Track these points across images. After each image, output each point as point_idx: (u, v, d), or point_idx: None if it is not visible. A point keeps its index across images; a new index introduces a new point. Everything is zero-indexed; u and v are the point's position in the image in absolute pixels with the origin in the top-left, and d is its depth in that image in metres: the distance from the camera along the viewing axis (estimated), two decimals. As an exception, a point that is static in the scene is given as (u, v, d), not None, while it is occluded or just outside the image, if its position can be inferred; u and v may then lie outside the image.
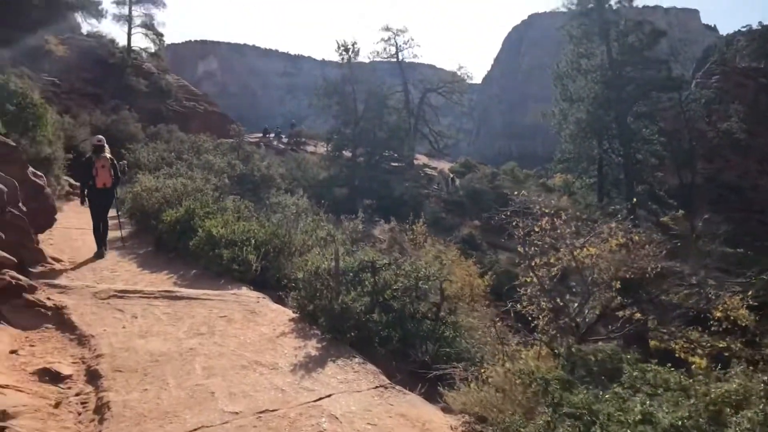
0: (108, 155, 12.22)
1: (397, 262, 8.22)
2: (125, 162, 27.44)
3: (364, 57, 43.15)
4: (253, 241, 10.54)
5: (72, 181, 23.71)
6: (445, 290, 7.48)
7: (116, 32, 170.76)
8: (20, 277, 8.33)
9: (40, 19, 48.69)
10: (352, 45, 38.79)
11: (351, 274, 7.98)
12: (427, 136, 54.20)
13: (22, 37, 45.55)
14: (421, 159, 55.84)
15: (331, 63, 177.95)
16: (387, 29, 50.94)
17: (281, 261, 10.44)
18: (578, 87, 42.50)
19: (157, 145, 26.50)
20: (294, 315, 8.02)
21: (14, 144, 9.63)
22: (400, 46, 51.41)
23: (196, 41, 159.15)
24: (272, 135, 57.08)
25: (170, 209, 13.00)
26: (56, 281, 9.49)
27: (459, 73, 54.04)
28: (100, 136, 12.83)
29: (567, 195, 53.72)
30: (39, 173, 10.36)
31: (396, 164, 41.86)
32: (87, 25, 57.34)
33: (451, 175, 51.48)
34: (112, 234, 14.55)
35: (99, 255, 12.05)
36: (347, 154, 40.28)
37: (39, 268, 10.06)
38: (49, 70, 47.13)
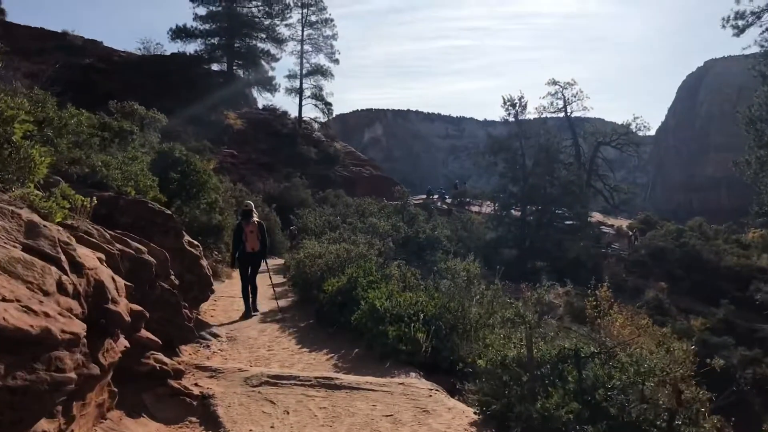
0: (256, 220, 12.93)
1: (609, 351, 6.32)
2: (295, 228, 27.77)
3: (530, 113, 41.17)
4: (421, 315, 9.07)
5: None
6: (683, 391, 5.48)
7: (288, 104, 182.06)
8: (165, 360, 7.42)
9: (222, 97, 52.26)
10: (519, 99, 37.26)
11: (548, 365, 6.20)
12: (601, 191, 50.75)
13: (205, 114, 48.91)
14: (595, 216, 52.37)
15: (493, 123, 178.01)
16: (554, 83, 48.88)
17: (454, 340, 8.85)
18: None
19: (323, 210, 26.31)
20: (476, 417, 6.34)
21: (169, 213, 8.98)
22: (568, 99, 49.04)
23: (362, 110, 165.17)
24: (436, 196, 56.40)
25: (332, 277, 11.94)
26: (207, 363, 8.55)
27: (635, 124, 50.45)
28: (249, 202, 13.62)
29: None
30: (195, 242, 9.69)
31: (569, 222, 39.16)
32: (262, 99, 60.94)
33: (633, 231, 47.56)
34: (271, 304, 13.84)
35: (246, 316, 12.53)
36: (515, 213, 38.28)
37: (189, 348, 9.24)
38: (228, 143, 50.02)
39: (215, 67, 56.68)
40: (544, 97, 45.25)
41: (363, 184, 51.04)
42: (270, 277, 14.77)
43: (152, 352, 7.39)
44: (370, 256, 13.24)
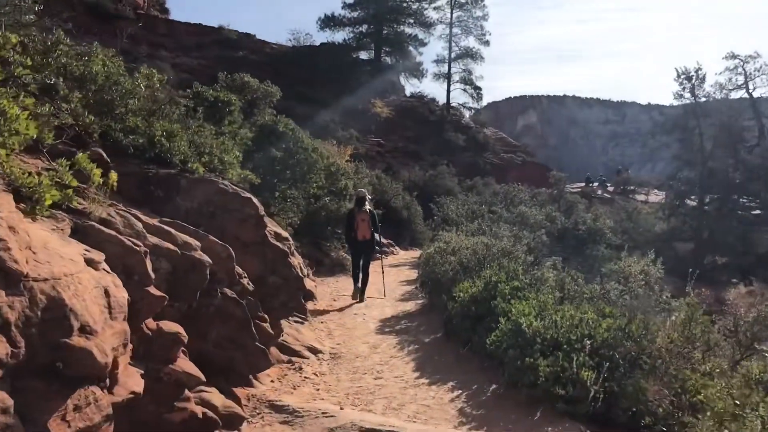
0: (368, 208, 12.48)
1: None
2: (438, 217, 25.25)
3: (705, 91, 34.94)
4: (587, 342, 6.25)
5: (383, 239, 22.05)
6: None
7: (436, 90, 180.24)
8: (216, 401, 5.23)
9: (369, 85, 50.88)
10: (696, 71, 31.97)
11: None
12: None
13: (353, 103, 47.78)
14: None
15: (659, 106, 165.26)
16: (733, 56, 42.05)
17: (637, 380, 5.95)
18: None
19: (467, 198, 23.63)
20: None
21: (247, 195, 6.80)
22: (750, 74, 41.99)
23: (515, 97, 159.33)
24: (596, 183, 51.64)
25: (467, 280, 9.33)
26: (288, 398, 6.28)
27: None
28: (362, 190, 13.26)
29: None
30: (284, 234, 7.45)
31: (757, 212, 33.38)
32: (410, 86, 59.06)
33: None
34: (396, 308, 11.52)
35: (354, 296, 12.25)
36: (691, 202, 33.20)
37: (275, 371, 7.04)
38: (375, 132, 48.57)
39: (363, 55, 55.27)
40: (721, 73, 38.59)
41: (514, 172, 47.51)
42: (382, 276, 13.76)
43: (199, 388, 5.25)
44: (516, 253, 10.44)
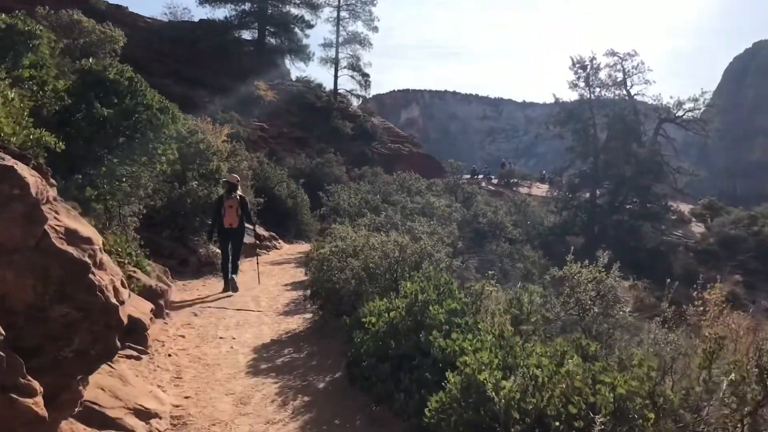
0: (238, 195, 11.47)
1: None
2: (326, 208, 22.07)
3: (597, 81, 33.83)
4: (599, 420, 3.58)
5: (264, 232, 18.87)
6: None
7: (323, 76, 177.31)
8: None
9: (252, 66, 47.09)
10: (591, 61, 30.80)
11: None
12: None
13: (234, 84, 44.05)
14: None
15: (533, 105, 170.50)
16: (612, 53, 41.70)
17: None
18: None
19: (359, 186, 20.87)
20: None
21: (8, 163, 3.62)
22: (628, 71, 41.82)
23: (399, 90, 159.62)
24: (481, 176, 50.49)
25: (378, 296, 6.50)
26: None
27: (702, 99, 43.20)
28: (234, 175, 12.26)
29: None
30: (86, 233, 4.24)
31: (648, 206, 32.73)
32: (296, 69, 55.62)
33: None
34: (278, 325, 8.58)
35: (226, 288, 11.15)
36: (582, 194, 32.12)
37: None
38: (258, 116, 45.06)
39: (246, 35, 51.06)
40: (602, 69, 37.96)
41: (402, 162, 45.31)
42: (258, 276, 12.39)
43: None
44: (439, 255, 7.68)
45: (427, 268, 6.71)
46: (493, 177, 50.57)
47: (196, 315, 9.10)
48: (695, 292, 12.71)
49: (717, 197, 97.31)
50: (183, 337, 7.79)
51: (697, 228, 45.14)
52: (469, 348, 4.62)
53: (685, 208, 48.74)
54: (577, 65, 31.24)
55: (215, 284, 11.87)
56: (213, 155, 14.26)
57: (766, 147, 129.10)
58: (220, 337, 7.90)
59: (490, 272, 7.54)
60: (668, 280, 6.57)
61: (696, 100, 42.88)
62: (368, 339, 5.56)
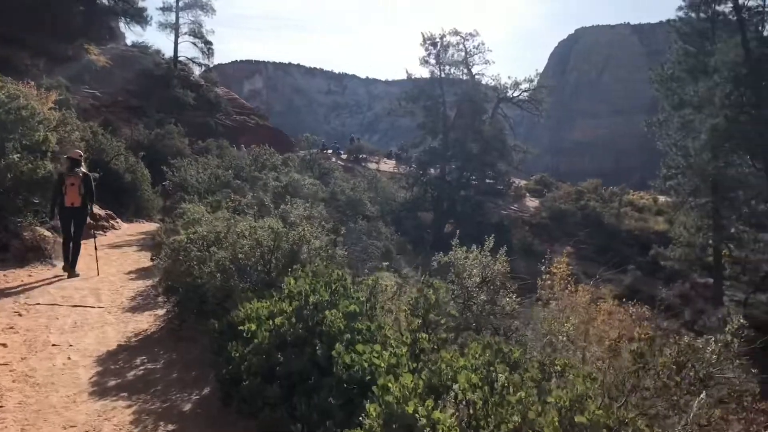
0: (82, 172, 10.65)
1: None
2: (169, 183, 20.13)
3: (447, 58, 33.83)
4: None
5: (100, 210, 16.73)
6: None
7: (162, 42, 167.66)
8: None
9: (81, 28, 42.66)
10: (441, 38, 30.78)
11: None
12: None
13: (60, 47, 39.71)
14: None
15: (375, 81, 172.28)
16: (456, 33, 42.18)
17: None
18: (702, 89, 33.63)
19: (208, 161, 19.25)
20: None
21: None
22: (470, 51, 42.55)
23: (242, 61, 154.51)
24: (330, 151, 49.63)
25: (253, 295, 5.46)
26: None
27: (537, 80, 45.27)
28: (78, 151, 11.50)
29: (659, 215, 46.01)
30: None
31: (491, 182, 33.63)
32: (132, 34, 51.33)
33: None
34: (124, 324, 7.26)
35: (66, 270, 10.27)
36: (432, 171, 32.29)
37: None
38: (89, 82, 40.98)
39: (73, -8, 46.13)
40: (450, 48, 38.39)
41: (248, 136, 43.38)
42: (97, 263, 10.84)
43: None
44: (320, 244, 6.70)
45: (314, 260, 5.75)
46: (342, 152, 49.92)
47: (20, 315, 7.48)
48: (542, 267, 12.68)
49: (543, 173, 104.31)
50: (4, 346, 6.27)
51: (531, 202, 47.63)
52: (383, 365, 3.78)
53: (519, 183, 51.30)
54: (428, 42, 31.23)
55: (45, 273, 10.11)
56: (39, 124, 12.22)
57: (586, 128, 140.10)
58: (54, 345, 6.45)
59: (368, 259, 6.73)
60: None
61: (531, 80, 44.99)
62: (250, 353, 4.53)
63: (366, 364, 3.92)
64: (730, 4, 34.26)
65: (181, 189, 16.07)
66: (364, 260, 12.05)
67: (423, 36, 31.10)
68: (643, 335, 4.81)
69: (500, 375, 3.71)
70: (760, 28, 31.44)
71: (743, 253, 32.50)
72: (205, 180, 16.35)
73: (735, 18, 32.22)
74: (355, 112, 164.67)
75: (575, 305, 11.10)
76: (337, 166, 26.94)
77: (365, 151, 49.70)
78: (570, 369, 4.06)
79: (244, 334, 4.74)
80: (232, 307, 5.41)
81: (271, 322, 4.70)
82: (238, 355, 4.59)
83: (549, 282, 14.10)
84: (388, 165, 46.71)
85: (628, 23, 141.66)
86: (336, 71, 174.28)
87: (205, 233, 7.14)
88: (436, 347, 4.15)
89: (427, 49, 31.31)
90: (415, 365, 3.80)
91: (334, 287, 4.97)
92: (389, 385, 3.35)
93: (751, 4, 31.58)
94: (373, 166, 45.80)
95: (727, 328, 4.06)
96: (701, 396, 3.44)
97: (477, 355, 4.00)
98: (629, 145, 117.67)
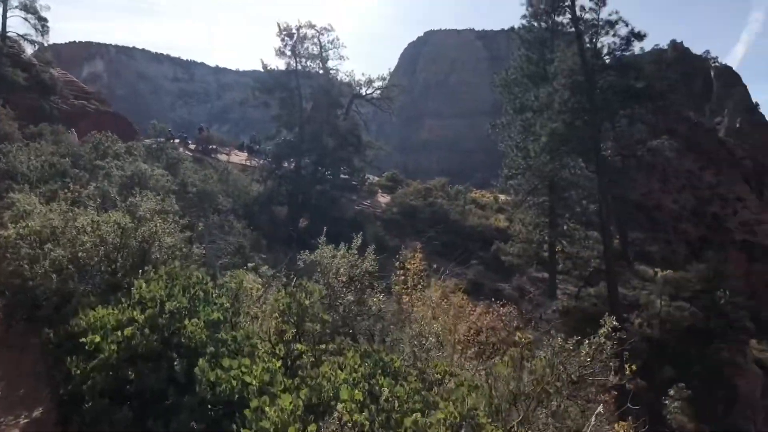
0: None
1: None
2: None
3: (304, 50, 33.03)
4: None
5: None
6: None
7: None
8: None
9: None
10: (297, 30, 30.12)
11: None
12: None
13: None
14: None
15: (225, 70, 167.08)
16: (311, 26, 41.38)
17: None
18: (542, 95, 35.80)
19: (41, 146, 17.40)
20: None
21: None
22: (324, 45, 42.00)
23: (80, 42, 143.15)
24: (177, 140, 46.97)
25: (97, 300, 4.76)
26: None
27: (388, 79, 46.02)
28: None
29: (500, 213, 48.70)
30: None
31: (346, 177, 33.49)
32: (-51, 3, 45.57)
33: None
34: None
35: None
36: (287, 164, 31.54)
37: None
38: None
39: None
40: (306, 40, 37.76)
41: (88, 122, 40.08)
42: None
43: None
44: (173, 241, 6.04)
45: (169, 260, 5.15)
46: (190, 141, 47.49)
47: None
48: (397, 262, 12.63)
49: (392, 171, 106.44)
50: None
51: (383, 198, 48.32)
52: (254, 383, 3.35)
53: (372, 179, 51.93)
54: (284, 32, 30.49)
55: None
56: None
57: (433, 128, 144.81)
58: None
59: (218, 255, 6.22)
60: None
61: (384, 79, 45.69)
62: (94, 369, 3.89)
63: (234, 382, 3.47)
64: (568, 16, 36.73)
65: (9, 177, 14.33)
66: (218, 257, 11.36)
67: (279, 26, 30.39)
68: (522, 338, 4.75)
69: (384, 389, 3.43)
70: (594, 39, 33.91)
71: (575, 249, 35.07)
72: (38, 168, 14.70)
73: (573, 29, 34.57)
74: (203, 101, 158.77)
75: (427, 300, 11.11)
76: (186, 157, 25.46)
77: (215, 141, 47.67)
78: (450, 377, 3.87)
79: (87, 347, 4.09)
80: (72, 314, 4.69)
81: (119, 333, 4.08)
82: (78, 372, 3.94)
83: (403, 277, 14.13)
84: (239, 157, 45.13)
85: (473, 29, 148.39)
86: (184, 58, 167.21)
87: (38, 228, 6.24)
88: (314, 359, 3.78)
89: (283, 40, 30.62)
90: (291, 382, 3.41)
91: (193, 292, 4.45)
92: (265, 408, 2.94)
93: (587, 17, 34.06)
94: (223, 157, 43.99)
95: (601, 331, 4.06)
96: (598, 408, 3.37)
97: (357, 366, 3.69)
98: (473, 145, 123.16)
